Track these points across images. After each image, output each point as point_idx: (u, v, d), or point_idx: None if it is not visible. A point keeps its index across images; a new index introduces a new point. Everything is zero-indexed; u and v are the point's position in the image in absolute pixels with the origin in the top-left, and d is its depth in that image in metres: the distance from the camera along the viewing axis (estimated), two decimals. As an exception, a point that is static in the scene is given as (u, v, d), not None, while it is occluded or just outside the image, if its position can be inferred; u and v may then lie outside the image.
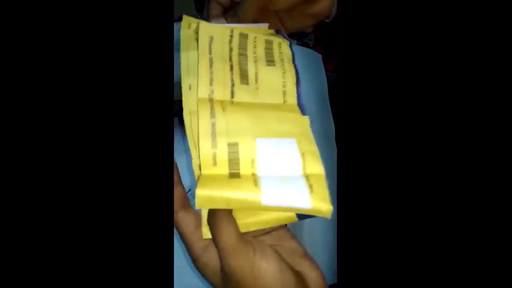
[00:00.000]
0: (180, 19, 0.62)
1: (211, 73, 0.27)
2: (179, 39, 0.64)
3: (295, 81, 0.29)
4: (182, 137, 0.60)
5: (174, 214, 0.29)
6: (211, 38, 0.29)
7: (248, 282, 0.26)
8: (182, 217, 0.29)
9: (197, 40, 0.30)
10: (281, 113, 0.28)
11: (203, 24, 0.30)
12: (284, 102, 0.29)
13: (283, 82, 0.29)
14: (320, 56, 0.71)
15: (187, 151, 0.59)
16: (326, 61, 0.72)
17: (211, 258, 0.28)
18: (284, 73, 0.29)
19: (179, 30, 0.64)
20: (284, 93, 0.29)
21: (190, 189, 0.56)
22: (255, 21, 0.32)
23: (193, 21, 0.32)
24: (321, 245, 0.54)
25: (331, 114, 0.63)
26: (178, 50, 0.62)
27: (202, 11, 0.72)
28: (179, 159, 0.56)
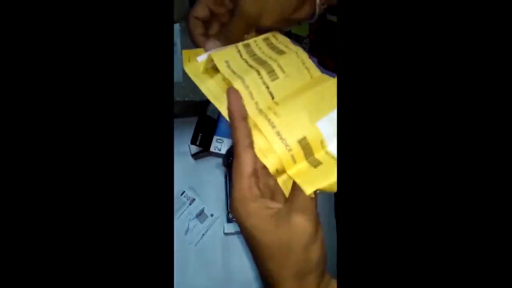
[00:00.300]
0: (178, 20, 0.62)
1: (247, 88, 0.29)
2: (175, 41, 0.64)
3: (308, 56, 0.32)
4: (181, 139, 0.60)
5: (238, 147, 0.29)
6: (227, 62, 0.31)
7: (302, 243, 0.28)
8: (246, 154, 0.29)
9: (205, 70, 0.32)
10: (317, 89, 0.31)
11: (214, 55, 0.31)
12: (311, 77, 0.32)
13: (301, 60, 0.32)
14: (315, 60, 0.72)
15: (181, 154, 0.59)
16: (321, 65, 0.73)
17: (263, 207, 0.29)
18: (296, 53, 0.32)
19: (178, 31, 0.64)
20: (307, 69, 0.32)
21: (184, 191, 0.56)
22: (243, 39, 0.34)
23: (191, 53, 0.33)
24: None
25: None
26: (176, 52, 0.62)
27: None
28: (178, 160, 0.56)
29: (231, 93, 0.30)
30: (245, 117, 0.30)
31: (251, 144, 0.29)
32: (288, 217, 0.28)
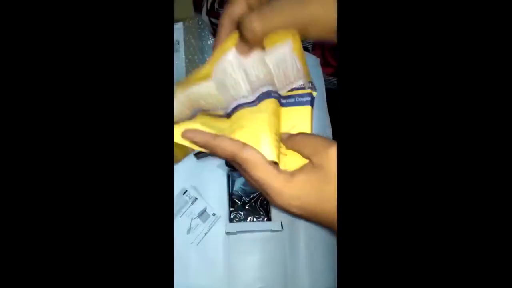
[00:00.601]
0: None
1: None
2: (178, 39, 0.64)
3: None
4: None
5: (239, 153, 0.29)
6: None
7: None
8: (250, 153, 0.29)
9: None
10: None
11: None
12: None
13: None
14: (318, 59, 0.72)
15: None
16: (324, 65, 0.72)
17: (299, 185, 0.28)
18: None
19: (182, 29, 0.64)
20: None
21: (186, 190, 0.56)
22: None
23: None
24: (321, 250, 0.54)
25: (329, 118, 0.63)
26: (178, 51, 0.62)
27: (200, 12, 0.72)
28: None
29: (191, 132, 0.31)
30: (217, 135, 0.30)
31: (244, 144, 0.29)
32: (321, 163, 0.28)
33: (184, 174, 0.57)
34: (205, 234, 0.53)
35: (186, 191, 0.55)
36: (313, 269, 0.53)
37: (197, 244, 0.53)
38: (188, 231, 0.53)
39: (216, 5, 0.68)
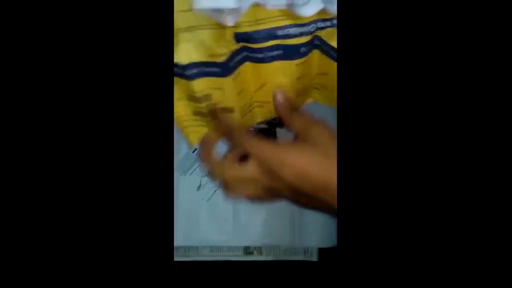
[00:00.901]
0: None
1: None
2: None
3: None
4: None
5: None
6: None
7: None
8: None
9: None
10: None
11: None
12: None
13: None
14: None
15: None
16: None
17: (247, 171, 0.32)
18: None
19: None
20: None
21: (196, 149, 0.57)
22: None
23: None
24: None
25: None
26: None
27: None
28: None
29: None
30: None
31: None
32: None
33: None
34: (215, 190, 0.54)
35: (196, 149, 0.56)
36: (321, 226, 0.54)
37: (207, 201, 0.54)
38: (198, 188, 0.54)
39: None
